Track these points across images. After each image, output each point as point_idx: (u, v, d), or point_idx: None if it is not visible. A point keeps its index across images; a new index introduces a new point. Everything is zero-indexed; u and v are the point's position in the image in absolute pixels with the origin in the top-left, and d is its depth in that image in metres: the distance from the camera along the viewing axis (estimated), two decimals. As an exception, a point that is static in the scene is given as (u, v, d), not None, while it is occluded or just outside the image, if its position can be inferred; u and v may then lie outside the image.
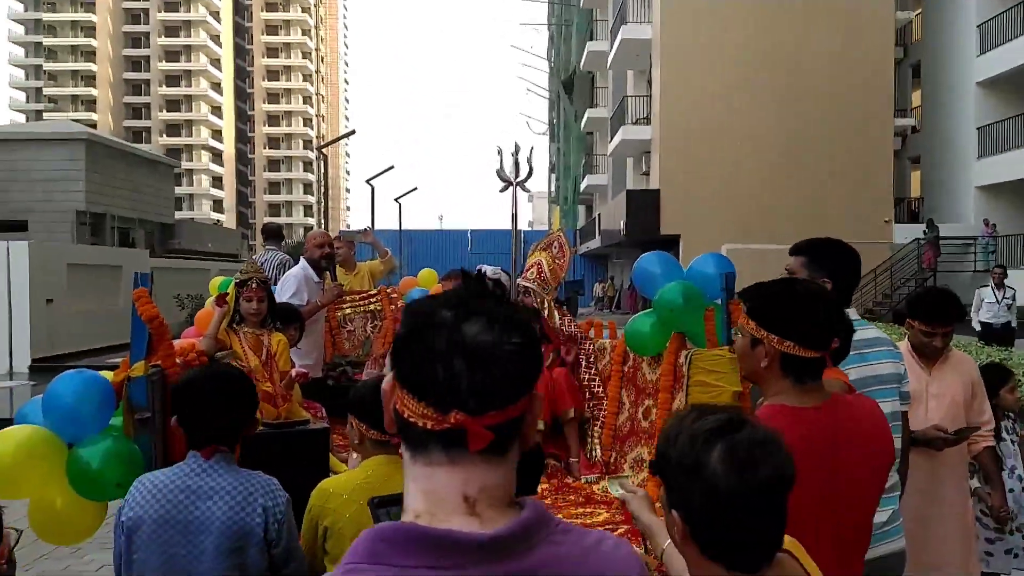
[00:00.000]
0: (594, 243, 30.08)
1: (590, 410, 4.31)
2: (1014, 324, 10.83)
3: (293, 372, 3.97)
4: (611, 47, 24.97)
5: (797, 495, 1.22)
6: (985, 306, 10.95)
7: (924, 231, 19.75)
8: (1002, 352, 7.06)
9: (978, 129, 20.59)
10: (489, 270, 4.70)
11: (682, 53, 20.50)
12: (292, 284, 4.72)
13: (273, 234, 6.31)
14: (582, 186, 34.49)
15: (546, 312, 4.46)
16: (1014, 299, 11.00)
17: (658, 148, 21.38)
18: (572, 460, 4.18)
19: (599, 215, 29.59)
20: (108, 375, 2.87)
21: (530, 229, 44.27)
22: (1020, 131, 19.23)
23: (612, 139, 25.39)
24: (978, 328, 10.91)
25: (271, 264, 5.75)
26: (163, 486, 2.05)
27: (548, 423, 4.20)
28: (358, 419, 2.20)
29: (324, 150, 21.23)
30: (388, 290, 5.76)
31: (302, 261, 4.90)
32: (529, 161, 4.36)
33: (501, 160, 4.33)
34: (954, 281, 18.60)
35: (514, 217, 4.31)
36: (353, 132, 21.14)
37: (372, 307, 5.59)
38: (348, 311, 5.57)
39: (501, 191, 4.36)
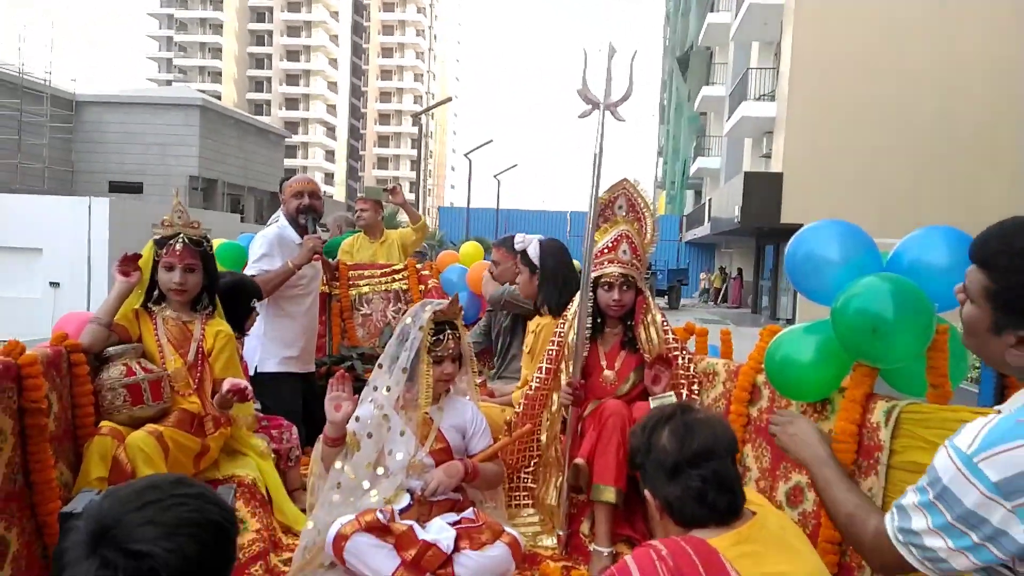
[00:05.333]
0: (702, 230, 27.87)
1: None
2: None
3: (225, 385, 2.58)
4: (735, 16, 22.67)
5: None
6: None
7: None
8: None
9: None
10: (518, 238, 3.43)
11: (819, 16, 18.01)
12: (261, 246, 3.38)
13: None
14: (691, 170, 32.22)
15: (653, 312, 2.89)
16: None
17: (784, 127, 19.02)
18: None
19: (709, 200, 27.32)
20: None
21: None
22: None
23: (729, 118, 23.18)
24: None
25: None
26: None
27: (624, 490, 2.63)
28: None
29: (421, 119, 20.23)
30: (418, 265, 4.36)
31: (280, 218, 3.55)
32: (631, 73, 2.74)
33: (585, 71, 2.74)
34: None
35: (596, 158, 2.71)
36: (450, 99, 20.00)
37: (396, 285, 4.22)
38: (365, 289, 4.25)
39: (582, 116, 2.77)
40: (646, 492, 1.52)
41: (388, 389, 2.43)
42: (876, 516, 1.36)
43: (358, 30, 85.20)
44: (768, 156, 21.32)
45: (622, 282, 2.79)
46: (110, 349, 2.54)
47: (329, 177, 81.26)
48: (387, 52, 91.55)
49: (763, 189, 18.72)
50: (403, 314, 4.20)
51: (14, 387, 2.09)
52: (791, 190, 18.24)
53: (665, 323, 2.86)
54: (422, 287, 4.37)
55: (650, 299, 2.88)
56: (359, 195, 5.25)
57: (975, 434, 1.15)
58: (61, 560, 0.85)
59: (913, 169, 17.14)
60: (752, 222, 18.83)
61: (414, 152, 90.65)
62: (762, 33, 22.07)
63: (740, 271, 28.54)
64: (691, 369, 2.80)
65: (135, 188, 33.92)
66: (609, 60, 2.69)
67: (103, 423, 2.45)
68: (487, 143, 24.40)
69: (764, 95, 21.35)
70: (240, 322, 2.96)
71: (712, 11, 27.61)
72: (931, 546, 1.19)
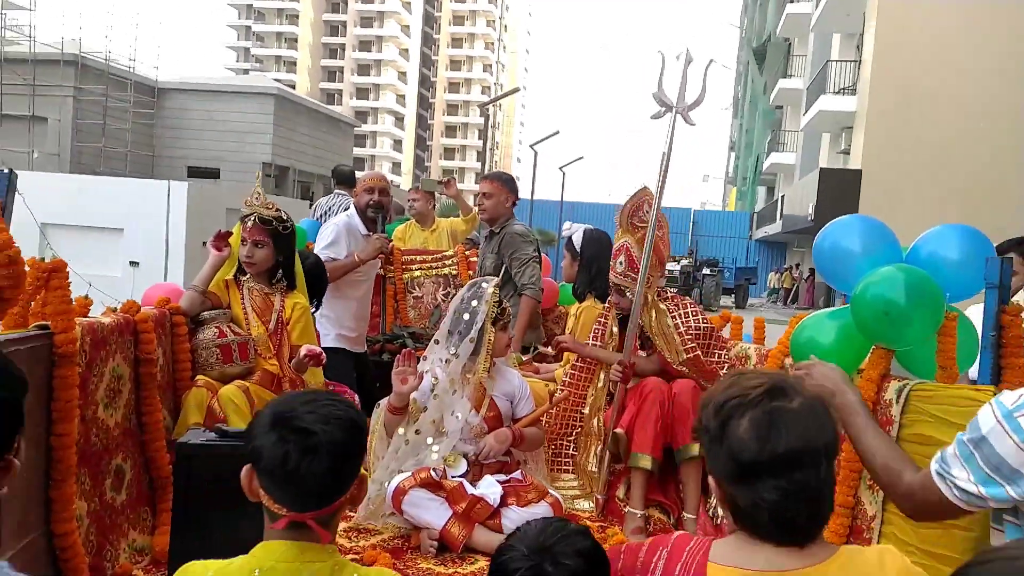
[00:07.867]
0: (773, 228, 27.34)
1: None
2: None
3: (303, 350, 2.91)
4: (816, 6, 22.13)
5: None
6: None
7: None
8: None
9: None
10: (565, 226, 3.75)
11: (902, 7, 17.45)
12: (330, 233, 3.73)
13: (345, 179, 5.34)
14: (764, 165, 31.55)
15: (647, 311, 3.06)
16: None
17: (864, 122, 18.51)
18: (687, 516, 2.80)
19: (782, 197, 26.79)
20: None
21: (701, 209, 41.50)
22: None
23: (807, 112, 22.64)
24: None
25: (338, 210, 4.81)
26: None
27: (659, 459, 2.84)
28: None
29: (488, 109, 20.51)
30: (467, 252, 4.67)
31: (350, 207, 3.90)
32: (704, 79, 2.96)
33: (661, 75, 2.96)
34: None
35: (664, 157, 2.93)
36: (517, 90, 20.18)
37: (446, 270, 4.54)
38: (417, 274, 4.58)
39: (654, 117, 2.99)
40: (710, 477, 1.21)
41: (456, 357, 2.73)
42: (909, 468, 1.41)
43: (429, 20, 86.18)
44: (846, 152, 20.76)
45: (616, 287, 3.06)
46: (204, 314, 2.92)
47: (396, 166, 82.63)
48: (457, 42, 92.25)
49: (840, 186, 18.21)
50: (451, 298, 4.45)
51: (132, 340, 2.46)
52: (869, 187, 17.72)
53: (687, 328, 2.92)
54: (471, 272, 4.64)
55: (660, 304, 2.97)
56: (413, 185, 5.61)
57: (1020, 394, 1.22)
58: (251, 433, 1.22)
59: (995, 167, 16.50)
60: (827, 221, 18.24)
61: (481, 143, 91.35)
62: (844, 24, 21.46)
63: (812, 271, 27.94)
64: (723, 356, 2.96)
65: (212, 173, 35.26)
66: (685, 67, 2.90)
67: (199, 377, 2.83)
68: (553, 135, 24.52)
69: (844, 89, 20.73)
70: (321, 296, 3.40)
71: (792, 0, 26.97)
72: (967, 490, 1.27)
